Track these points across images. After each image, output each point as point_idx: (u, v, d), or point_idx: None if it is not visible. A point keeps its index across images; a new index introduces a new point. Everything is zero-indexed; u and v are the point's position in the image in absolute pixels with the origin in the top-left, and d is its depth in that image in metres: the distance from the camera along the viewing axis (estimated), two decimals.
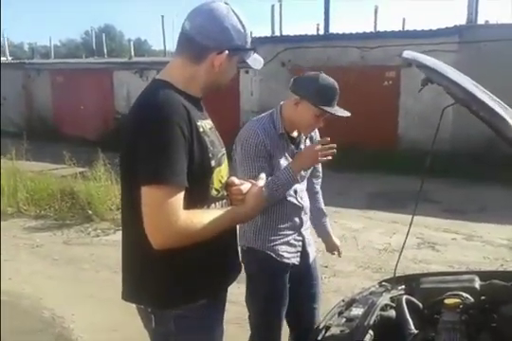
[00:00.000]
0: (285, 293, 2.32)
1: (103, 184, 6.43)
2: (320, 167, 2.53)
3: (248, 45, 1.53)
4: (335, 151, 2.11)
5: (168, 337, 1.54)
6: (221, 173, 1.54)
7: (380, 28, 11.82)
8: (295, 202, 2.27)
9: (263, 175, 1.64)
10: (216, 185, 1.51)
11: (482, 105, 1.51)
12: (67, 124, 14.41)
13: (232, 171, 2.04)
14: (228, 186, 1.56)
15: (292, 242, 2.30)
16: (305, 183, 2.38)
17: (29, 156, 7.39)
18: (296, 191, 2.26)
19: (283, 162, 2.17)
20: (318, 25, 14.00)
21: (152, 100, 1.40)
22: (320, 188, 2.59)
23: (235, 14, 1.47)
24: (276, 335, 2.37)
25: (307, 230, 2.40)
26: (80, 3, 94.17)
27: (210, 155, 1.46)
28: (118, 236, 5.60)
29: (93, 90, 14.06)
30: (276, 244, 2.26)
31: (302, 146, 2.29)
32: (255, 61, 1.59)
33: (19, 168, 7.21)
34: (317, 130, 2.40)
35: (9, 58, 20.05)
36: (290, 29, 16.12)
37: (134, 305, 1.59)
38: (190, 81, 1.50)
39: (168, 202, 1.32)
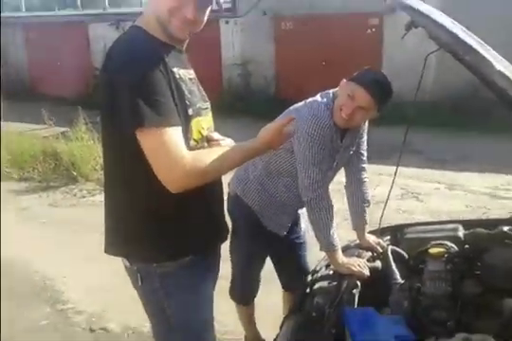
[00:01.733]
0: (266, 251, 2.39)
1: (86, 143, 6.31)
2: (364, 145, 2.34)
3: None
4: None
5: (155, 295, 1.54)
6: (201, 124, 1.48)
7: None
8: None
9: (291, 116, 1.54)
10: (195, 135, 1.47)
11: (469, 49, 1.45)
12: (44, 82, 13.97)
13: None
14: (208, 140, 1.53)
15: (283, 217, 2.30)
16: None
17: (7, 117, 7.17)
18: None
19: (335, 157, 2.13)
20: None
21: (126, 44, 1.39)
22: (367, 178, 2.37)
23: None
24: (253, 287, 2.47)
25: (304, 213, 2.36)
26: None
27: (188, 103, 1.41)
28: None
29: (68, 45, 13.52)
30: (269, 211, 2.26)
31: (346, 140, 2.17)
32: None
33: None
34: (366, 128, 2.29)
35: None
36: None
37: (121, 265, 1.58)
38: (151, 23, 1.43)
39: (172, 141, 1.30)
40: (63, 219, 4.90)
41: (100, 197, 5.46)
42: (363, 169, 2.36)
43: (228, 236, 1.80)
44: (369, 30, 9.90)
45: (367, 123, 2.30)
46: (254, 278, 2.45)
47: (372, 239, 2.30)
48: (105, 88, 1.36)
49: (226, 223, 1.74)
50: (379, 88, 1.96)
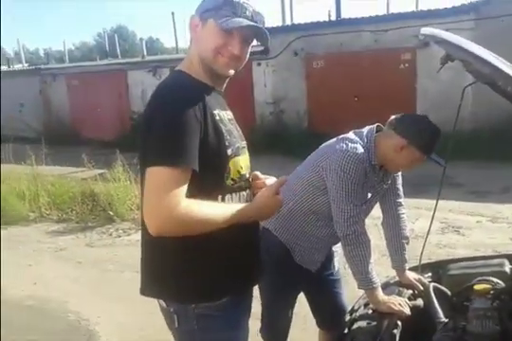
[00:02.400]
0: (296, 288, 2.29)
1: (122, 184, 6.46)
2: (400, 180, 2.28)
3: (224, 9, 1.39)
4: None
5: (191, 337, 1.50)
6: (239, 164, 1.47)
7: (393, 10, 11.60)
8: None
9: (283, 177, 1.53)
10: (233, 175, 1.45)
11: (508, 79, 1.41)
12: (85, 127, 14.55)
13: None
14: (252, 179, 1.53)
15: (317, 251, 2.22)
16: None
17: (49, 161, 7.47)
18: None
19: (368, 192, 2.10)
20: (329, 11, 13.85)
21: (166, 88, 1.40)
22: (404, 212, 2.29)
23: None
24: (284, 326, 2.34)
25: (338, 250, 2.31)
26: (91, 5, 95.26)
27: (227, 143, 1.41)
28: (140, 235, 5.61)
29: (108, 91, 14.18)
30: (301, 246, 2.19)
31: (381, 175, 2.14)
32: (228, 20, 1.38)
33: (39, 173, 7.27)
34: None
35: (25, 64, 20.37)
36: (301, 17, 15.94)
37: (156, 305, 1.55)
38: (194, 65, 1.47)
39: (171, 184, 1.26)
40: (98, 259, 4.93)
41: (136, 236, 5.50)
42: (400, 204, 2.28)
43: None
44: (402, 65, 9.94)
45: None
46: (284, 316, 2.32)
47: (412, 276, 2.19)
48: (140, 127, 1.39)
49: (261, 260, 1.66)
50: (436, 145, 2.00)
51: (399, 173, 2.26)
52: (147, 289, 1.52)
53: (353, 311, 2.09)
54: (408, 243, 2.27)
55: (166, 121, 1.30)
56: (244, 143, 1.53)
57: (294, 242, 2.19)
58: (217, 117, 1.41)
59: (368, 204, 2.15)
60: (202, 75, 1.46)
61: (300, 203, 2.15)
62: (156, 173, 1.28)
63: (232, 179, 1.45)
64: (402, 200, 2.30)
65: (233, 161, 1.44)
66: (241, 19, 1.39)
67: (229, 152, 1.42)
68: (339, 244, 2.25)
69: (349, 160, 1.96)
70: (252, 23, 1.41)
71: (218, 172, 1.42)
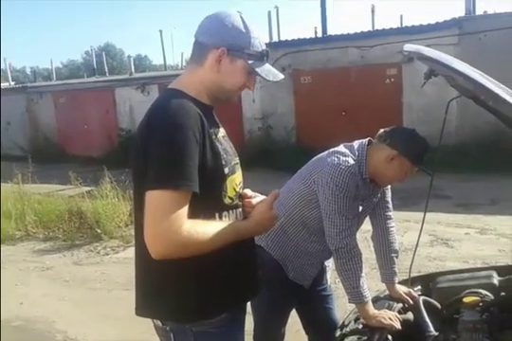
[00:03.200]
0: (288, 304, 2.27)
1: (110, 201, 6.40)
2: (389, 193, 2.27)
3: (254, 50, 1.44)
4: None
5: None
6: (235, 182, 1.48)
7: (378, 27, 11.79)
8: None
9: (276, 191, 1.54)
10: (230, 193, 1.45)
11: (490, 94, 1.44)
12: (72, 144, 14.50)
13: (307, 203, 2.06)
14: (241, 197, 1.52)
15: (310, 266, 2.21)
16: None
17: (36, 179, 7.38)
18: None
19: (359, 205, 2.11)
20: (315, 27, 14.05)
21: (164, 107, 1.36)
22: (394, 226, 2.29)
23: (241, 18, 1.43)
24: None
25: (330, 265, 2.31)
26: (79, 23, 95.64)
27: (223, 162, 1.41)
28: (128, 253, 5.59)
29: (96, 108, 14.16)
30: (293, 261, 2.19)
31: (377, 194, 2.19)
32: (268, 72, 1.48)
33: (26, 191, 7.20)
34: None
35: (12, 83, 20.30)
36: (288, 34, 16.13)
37: (147, 323, 1.52)
38: (198, 86, 1.45)
39: (174, 207, 1.25)
40: (86, 277, 4.86)
41: (124, 254, 5.45)
42: (389, 217, 2.28)
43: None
44: (388, 80, 10.06)
45: None
46: (277, 332, 2.30)
47: (402, 289, 2.18)
48: (135, 147, 1.37)
49: (258, 276, 1.66)
50: (424, 155, 2.04)
51: (388, 187, 2.27)
52: (142, 309, 1.49)
53: (343, 326, 2.07)
54: (397, 257, 2.26)
55: (166, 143, 1.28)
56: (237, 159, 1.53)
57: (287, 258, 2.18)
58: (213, 136, 1.40)
59: (359, 217, 2.14)
60: (202, 95, 1.46)
61: (291, 217, 2.15)
62: (158, 197, 1.26)
63: (229, 197, 1.45)
64: (391, 213, 2.30)
65: (230, 179, 1.44)
66: (268, 65, 1.49)
67: (226, 170, 1.42)
68: (331, 259, 2.26)
69: (341, 173, 1.97)
70: (282, 76, 1.51)
71: (216, 192, 1.41)
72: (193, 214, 1.30)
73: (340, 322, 2.17)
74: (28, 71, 50.98)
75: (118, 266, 5.06)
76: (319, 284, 2.31)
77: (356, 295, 1.96)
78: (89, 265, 5.25)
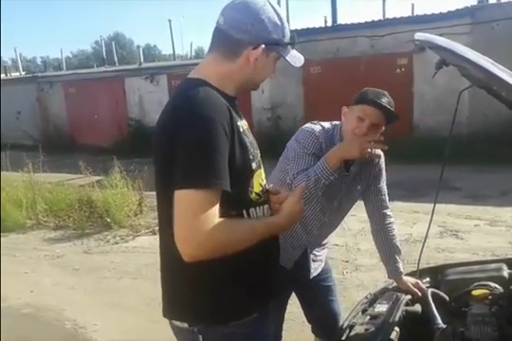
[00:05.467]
0: (285, 294, 2.24)
1: (120, 191, 6.44)
2: (383, 181, 2.21)
3: (287, 40, 1.40)
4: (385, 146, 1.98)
5: None
6: (261, 177, 1.43)
7: (389, 16, 11.63)
8: (307, 226, 2.12)
9: (303, 184, 1.56)
10: (256, 188, 1.40)
11: (503, 84, 1.40)
12: (82, 134, 14.56)
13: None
14: (268, 193, 1.48)
15: (288, 248, 2.14)
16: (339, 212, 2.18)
17: (46, 168, 7.43)
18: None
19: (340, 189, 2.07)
20: (325, 17, 13.90)
21: (190, 98, 1.27)
22: (392, 223, 2.24)
23: (272, 7, 1.37)
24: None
25: (318, 247, 2.25)
26: (88, 13, 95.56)
27: (251, 157, 1.36)
28: (137, 242, 5.62)
29: (105, 98, 14.19)
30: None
31: (353, 169, 2.10)
32: (294, 58, 1.45)
33: (37, 180, 7.25)
34: (382, 157, 2.21)
35: (23, 72, 20.39)
36: (298, 23, 15.97)
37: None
38: (225, 79, 1.38)
39: (205, 207, 1.20)
40: (95, 266, 4.90)
41: (133, 243, 5.50)
42: (386, 214, 2.23)
43: None
44: (398, 70, 9.95)
45: (383, 156, 2.20)
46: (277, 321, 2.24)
47: (410, 281, 2.16)
48: (160, 140, 1.31)
49: (280, 273, 1.63)
50: (385, 101, 1.97)
51: (383, 174, 2.20)
52: (171, 312, 1.45)
53: (350, 317, 2.07)
54: (400, 253, 2.23)
55: (195, 138, 1.22)
56: (259, 153, 1.46)
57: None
58: (241, 129, 1.35)
59: (341, 201, 2.11)
60: (228, 86, 1.40)
61: None
62: (188, 197, 1.20)
63: (256, 193, 1.40)
64: (389, 210, 2.24)
65: (256, 175, 1.40)
66: (294, 51, 1.46)
67: (254, 165, 1.37)
68: (323, 252, 2.26)
69: (302, 131, 2.03)
70: (303, 58, 1.49)
71: (243, 188, 1.36)
72: (222, 212, 1.25)
73: (347, 313, 2.17)
74: (39, 61, 51.13)
75: (128, 255, 5.11)
76: (320, 275, 2.28)
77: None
78: (99, 254, 5.30)
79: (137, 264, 4.69)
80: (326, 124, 2.09)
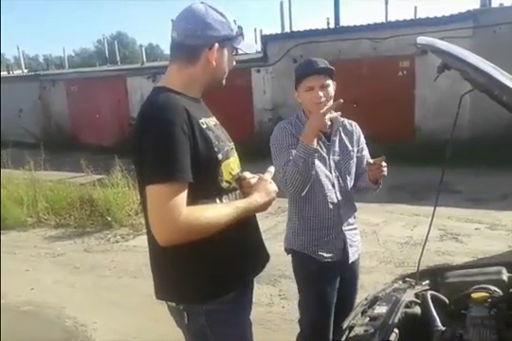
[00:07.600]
0: (331, 295, 2.31)
1: (121, 190, 6.46)
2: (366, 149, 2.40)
3: (234, 33, 1.57)
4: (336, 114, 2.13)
5: (201, 332, 1.58)
6: (230, 166, 1.58)
7: (392, 18, 11.64)
8: (329, 200, 2.25)
9: (271, 168, 1.68)
10: (226, 177, 1.55)
11: (504, 88, 1.42)
12: (84, 132, 14.55)
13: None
14: (239, 180, 1.62)
15: (332, 241, 2.28)
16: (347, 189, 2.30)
17: (48, 166, 7.46)
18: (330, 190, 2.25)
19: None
20: (328, 19, 13.89)
21: (153, 105, 1.46)
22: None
23: (213, 9, 1.54)
24: (325, 334, 2.35)
25: (350, 230, 2.34)
26: (91, 12, 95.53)
27: (216, 149, 1.50)
28: (138, 241, 5.63)
29: (107, 97, 14.18)
30: (314, 245, 2.27)
31: (335, 138, 2.27)
32: (246, 46, 1.65)
33: (38, 178, 7.27)
34: (357, 126, 2.39)
35: (25, 70, 20.38)
36: (300, 25, 16.01)
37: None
38: (189, 83, 1.56)
39: (171, 198, 1.35)
40: (96, 264, 4.92)
41: (134, 242, 5.50)
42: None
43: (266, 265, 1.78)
44: (400, 72, 9.96)
45: (357, 126, 2.38)
46: (326, 331, 2.34)
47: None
48: (134, 142, 1.47)
49: (263, 252, 1.75)
50: (316, 65, 2.20)
51: (362, 143, 2.36)
52: (160, 293, 1.61)
53: (350, 318, 2.08)
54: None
55: (157, 140, 1.38)
56: (231, 144, 1.64)
57: (305, 243, 2.27)
58: (204, 126, 1.50)
59: (339, 170, 2.25)
60: (192, 89, 1.56)
61: (293, 200, 2.30)
62: (156, 191, 1.37)
63: (226, 181, 1.55)
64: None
65: (225, 164, 1.54)
66: (245, 40, 1.61)
67: (220, 156, 1.52)
68: (357, 238, 2.38)
69: (274, 134, 2.25)
70: (255, 45, 1.62)
71: (212, 177, 1.51)
72: (194, 201, 1.41)
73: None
74: (41, 59, 51.13)
75: (128, 254, 5.13)
76: (348, 275, 2.36)
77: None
78: (99, 252, 5.31)
79: (137, 263, 4.70)
80: (290, 119, 2.31)
